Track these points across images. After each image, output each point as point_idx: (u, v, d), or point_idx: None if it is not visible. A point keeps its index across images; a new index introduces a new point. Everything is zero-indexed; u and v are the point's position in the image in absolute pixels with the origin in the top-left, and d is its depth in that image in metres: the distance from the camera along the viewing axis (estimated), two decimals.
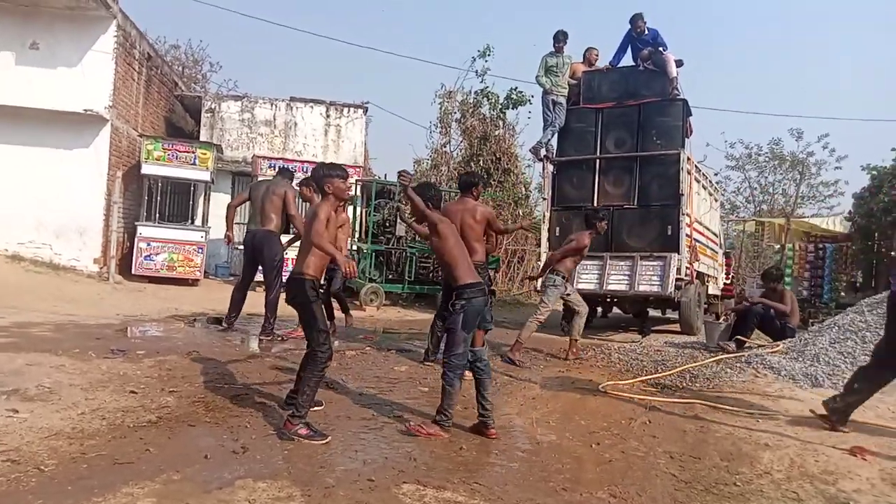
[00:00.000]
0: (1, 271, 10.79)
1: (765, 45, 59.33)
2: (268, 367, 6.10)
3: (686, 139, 10.25)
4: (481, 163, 17.92)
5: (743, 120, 69.18)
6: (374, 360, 6.93)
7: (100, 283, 11.70)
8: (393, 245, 13.82)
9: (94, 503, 2.87)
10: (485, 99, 18.69)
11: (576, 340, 7.67)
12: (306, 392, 4.17)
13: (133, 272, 12.62)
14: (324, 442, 4.00)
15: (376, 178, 16.31)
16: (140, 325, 8.28)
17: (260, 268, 7.88)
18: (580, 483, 3.68)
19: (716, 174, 25.13)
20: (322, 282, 4.41)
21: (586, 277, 9.94)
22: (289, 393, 4.76)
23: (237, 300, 7.98)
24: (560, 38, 10.72)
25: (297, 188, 7.77)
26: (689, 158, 10.09)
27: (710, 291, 12.44)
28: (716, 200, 13.23)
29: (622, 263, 9.76)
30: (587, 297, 10.55)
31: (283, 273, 7.50)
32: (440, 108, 19.01)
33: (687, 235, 9.76)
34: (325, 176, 4.50)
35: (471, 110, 18.70)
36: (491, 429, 4.43)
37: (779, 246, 18.34)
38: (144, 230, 12.84)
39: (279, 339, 7.69)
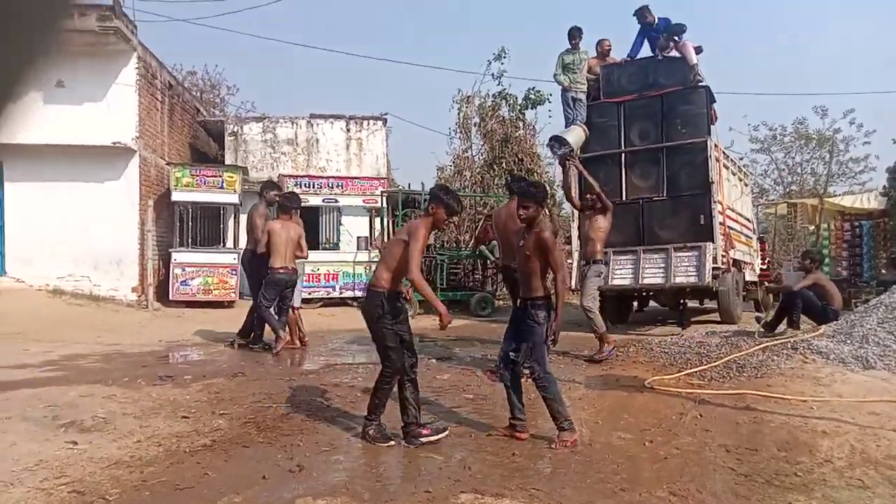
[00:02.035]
0: (44, 306, 11.05)
1: (784, 22, 58.30)
2: (313, 384, 6.15)
3: (711, 126, 10.12)
4: (504, 165, 17.86)
5: (765, 102, 67.87)
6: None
7: (139, 311, 11.91)
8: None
9: None
10: (503, 101, 18.66)
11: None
12: (375, 400, 4.36)
13: (171, 298, 12.83)
14: (387, 445, 4.23)
15: (401, 187, 16.38)
16: (183, 350, 8.42)
17: None
18: (638, 482, 3.64)
19: (741, 158, 24.79)
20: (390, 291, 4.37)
21: (621, 272, 9.85)
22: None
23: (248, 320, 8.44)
24: (575, 34, 10.65)
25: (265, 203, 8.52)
26: (716, 145, 9.96)
27: (748, 278, 12.24)
28: (745, 185, 13.02)
29: (656, 256, 9.64)
30: (623, 292, 10.49)
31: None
32: (459, 114, 19.04)
33: (720, 223, 9.63)
34: (434, 198, 4.49)
35: (490, 113, 18.68)
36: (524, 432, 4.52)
37: (813, 227, 17.99)
38: (179, 256, 13.05)
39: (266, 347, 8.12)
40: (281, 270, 7.84)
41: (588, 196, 8.05)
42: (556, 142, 9.64)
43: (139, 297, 12.46)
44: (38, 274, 11.99)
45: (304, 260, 8.42)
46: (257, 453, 4.09)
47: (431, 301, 4.38)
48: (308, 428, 4.65)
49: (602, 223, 7.63)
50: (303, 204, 12.71)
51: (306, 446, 4.22)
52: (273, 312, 7.94)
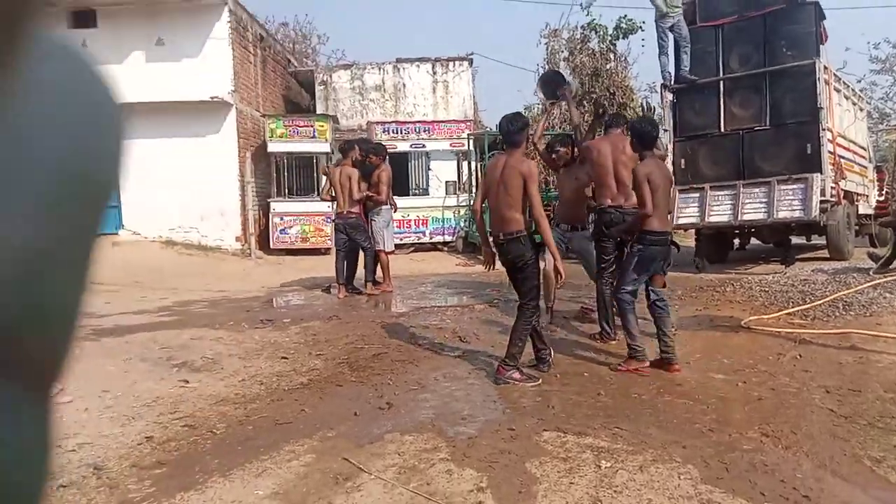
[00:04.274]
0: (158, 256, 11.90)
1: None
2: (403, 327, 6.33)
3: (821, 46, 9.30)
4: (594, 99, 17.24)
5: (888, 15, 60.73)
6: (503, 312, 7.00)
7: (243, 259, 12.59)
8: None
9: (261, 461, 3.14)
10: (592, 33, 17.84)
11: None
12: (516, 342, 4.41)
13: (271, 246, 13.44)
14: (536, 384, 4.29)
15: (488, 129, 16.18)
16: (283, 295, 8.86)
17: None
18: (728, 423, 3.56)
19: (859, 81, 22.70)
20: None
21: (719, 209, 9.41)
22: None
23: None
24: None
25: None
26: (825, 67, 9.17)
27: (861, 211, 11.39)
28: (861, 110, 11.98)
29: (757, 190, 9.12)
30: (721, 229, 9.99)
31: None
32: (547, 49, 18.41)
33: (830, 152, 8.94)
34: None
35: (579, 47, 17.95)
36: (674, 364, 4.52)
37: None
38: (277, 206, 13.59)
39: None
40: (337, 217, 8.20)
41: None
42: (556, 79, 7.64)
43: (242, 245, 13.14)
44: (152, 226, 12.86)
45: (384, 206, 8.40)
46: (350, 392, 4.30)
47: (545, 235, 4.40)
48: (398, 368, 4.82)
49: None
50: (391, 151, 12.92)
51: (396, 385, 4.38)
52: (340, 259, 8.24)
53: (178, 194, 12.89)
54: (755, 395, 4.05)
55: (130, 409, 3.99)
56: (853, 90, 11.67)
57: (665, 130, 10.29)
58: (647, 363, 4.52)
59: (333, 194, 8.22)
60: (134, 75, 12.52)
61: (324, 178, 8.65)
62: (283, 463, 3.12)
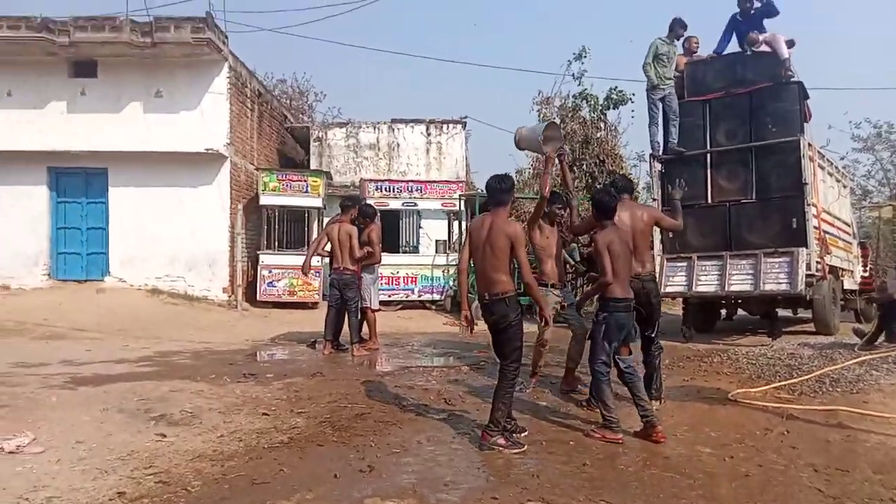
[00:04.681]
0: (143, 305, 11.77)
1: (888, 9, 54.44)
2: (388, 386, 6.24)
3: (805, 124, 9.57)
4: (584, 167, 17.54)
5: (869, 97, 62.92)
6: (489, 374, 6.92)
7: (229, 310, 12.47)
8: None
9: None
10: (584, 101, 18.31)
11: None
12: (499, 407, 4.36)
13: (258, 299, 13.34)
14: (521, 451, 4.21)
15: (479, 191, 16.37)
16: (267, 349, 8.74)
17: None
18: (714, 499, 3.50)
19: (842, 158, 23.36)
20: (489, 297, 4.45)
21: (706, 279, 9.46)
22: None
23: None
24: (678, 28, 10.16)
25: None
26: (810, 144, 9.41)
27: (847, 286, 11.49)
28: (844, 187, 12.23)
29: (744, 262, 9.20)
30: (708, 299, 10.03)
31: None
32: (539, 116, 18.83)
33: (815, 227, 9.08)
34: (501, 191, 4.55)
35: (570, 115, 18.38)
36: (657, 427, 4.52)
37: None
38: (266, 258, 13.57)
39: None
40: (333, 273, 8.20)
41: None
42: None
43: (229, 297, 13.04)
44: (139, 274, 12.78)
45: (374, 263, 8.42)
46: (331, 452, 4.20)
47: (535, 296, 4.78)
48: (381, 429, 4.73)
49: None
50: (383, 208, 13.03)
51: (378, 447, 4.29)
52: (332, 315, 8.22)
53: (168, 243, 12.88)
54: (742, 470, 3.99)
55: (104, 461, 3.88)
56: (836, 167, 11.96)
57: (654, 199, 10.47)
58: (620, 436, 4.51)
59: (330, 250, 8.24)
60: (131, 125, 12.70)
61: (319, 233, 8.74)
62: None
